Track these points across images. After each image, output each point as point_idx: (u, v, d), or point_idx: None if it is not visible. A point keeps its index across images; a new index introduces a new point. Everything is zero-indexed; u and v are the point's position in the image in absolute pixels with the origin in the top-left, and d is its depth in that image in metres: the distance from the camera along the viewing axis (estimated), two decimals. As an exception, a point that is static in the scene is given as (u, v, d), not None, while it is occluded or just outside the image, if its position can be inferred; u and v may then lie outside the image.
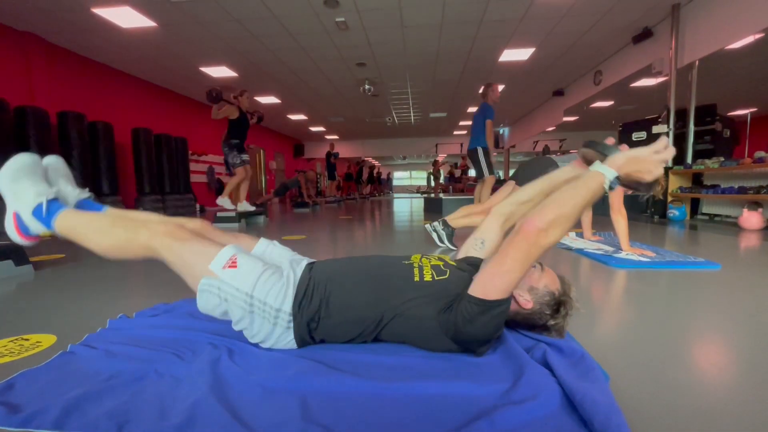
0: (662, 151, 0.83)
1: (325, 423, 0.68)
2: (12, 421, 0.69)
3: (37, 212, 1.03)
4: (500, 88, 7.88)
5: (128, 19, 4.65)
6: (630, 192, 0.91)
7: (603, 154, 0.89)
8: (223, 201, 4.72)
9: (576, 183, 0.84)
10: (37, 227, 1.05)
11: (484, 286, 0.84)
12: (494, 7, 4.66)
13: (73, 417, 0.70)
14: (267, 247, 1.18)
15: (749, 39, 4.28)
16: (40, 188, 1.05)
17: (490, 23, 5.12)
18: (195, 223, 1.16)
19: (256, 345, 0.99)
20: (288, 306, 0.93)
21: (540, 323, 0.96)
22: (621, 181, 0.85)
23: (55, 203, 1.06)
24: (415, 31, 5.32)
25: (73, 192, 1.12)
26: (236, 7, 4.49)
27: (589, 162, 1.02)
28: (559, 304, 0.94)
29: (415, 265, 1.01)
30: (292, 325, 0.94)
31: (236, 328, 0.98)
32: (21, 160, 1.05)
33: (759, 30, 3.91)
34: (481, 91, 4.25)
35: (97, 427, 0.67)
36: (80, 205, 1.14)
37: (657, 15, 4.98)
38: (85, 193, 1.15)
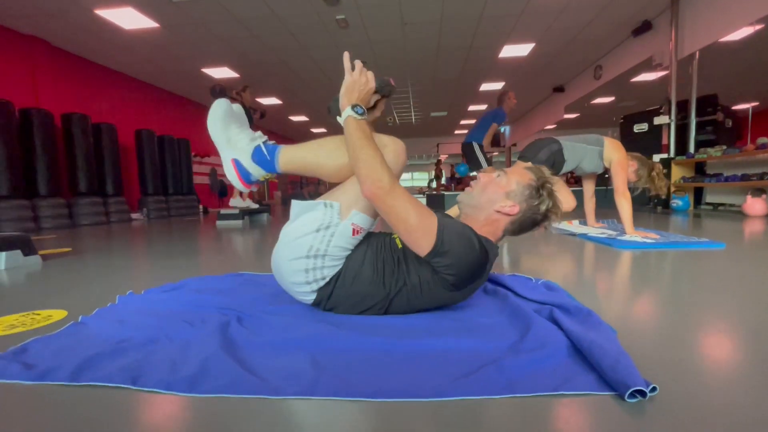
0: (350, 67, 0.90)
1: (336, 373, 0.69)
2: (29, 375, 0.70)
3: (256, 156, 1.01)
4: (488, 85, 7.90)
5: (131, 20, 4.70)
6: (381, 99, 0.99)
7: (334, 110, 0.97)
8: (236, 201, 4.76)
9: (346, 139, 0.89)
10: (258, 171, 1.02)
11: (416, 246, 0.86)
12: (493, 3, 4.68)
13: (88, 371, 0.71)
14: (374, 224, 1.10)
15: (749, 29, 4.28)
16: (250, 132, 1.03)
17: (490, 19, 5.14)
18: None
19: (263, 311, 1.00)
20: (329, 278, 0.95)
21: (538, 216, 0.96)
22: (363, 106, 0.89)
23: (268, 144, 1.04)
24: (414, 28, 5.34)
25: (263, 137, 1.07)
26: (237, 7, 4.53)
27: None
28: (539, 189, 0.95)
29: (395, 234, 1.02)
30: (318, 289, 0.96)
31: (285, 228, 0.97)
32: (222, 106, 1.02)
33: (757, 19, 3.91)
34: (498, 96, 4.27)
35: (112, 379, 0.68)
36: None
37: (656, 7, 4.99)
38: (271, 141, 1.10)
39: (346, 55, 0.91)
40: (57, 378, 0.69)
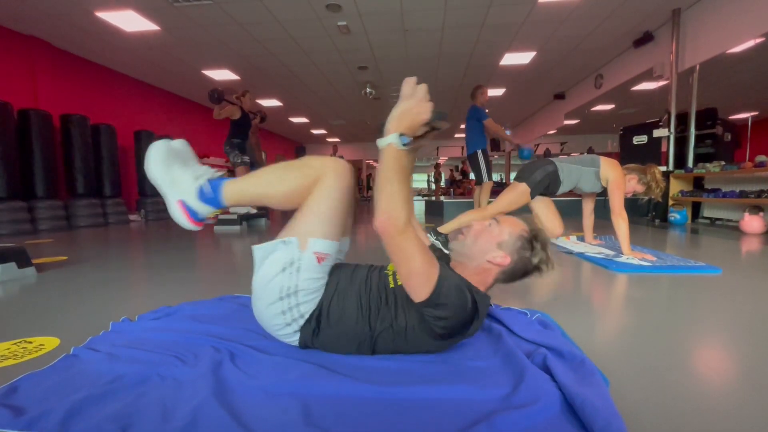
0: (412, 92, 0.84)
1: (327, 427, 0.69)
2: (16, 423, 0.70)
3: (201, 195, 1.01)
4: (489, 91, 7.94)
5: (131, 22, 4.69)
6: (430, 131, 0.93)
7: (380, 130, 0.89)
8: (236, 208, 4.68)
9: (380, 166, 0.84)
10: (204, 210, 1.02)
11: (414, 291, 0.85)
12: (495, 12, 4.68)
13: (76, 420, 0.71)
14: (341, 247, 1.11)
15: (750, 43, 4.29)
16: (194, 171, 1.02)
17: (492, 27, 5.14)
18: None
19: (257, 347, 1.00)
20: (308, 315, 0.94)
21: (529, 268, 0.96)
22: (409, 134, 0.84)
23: (212, 181, 1.03)
24: (416, 35, 5.34)
25: (208, 172, 1.06)
26: (239, 12, 4.52)
27: None
28: (532, 241, 0.94)
29: (390, 272, 1.01)
30: (301, 328, 0.95)
31: (255, 285, 0.95)
32: (161, 147, 1.00)
33: (759, 34, 3.91)
34: (471, 92, 4.27)
35: (101, 429, 0.68)
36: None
37: (658, 19, 4.99)
38: (219, 173, 1.09)
39: (409, 81, 0.85)
40: (46, 428, 0.69)
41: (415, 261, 0.81)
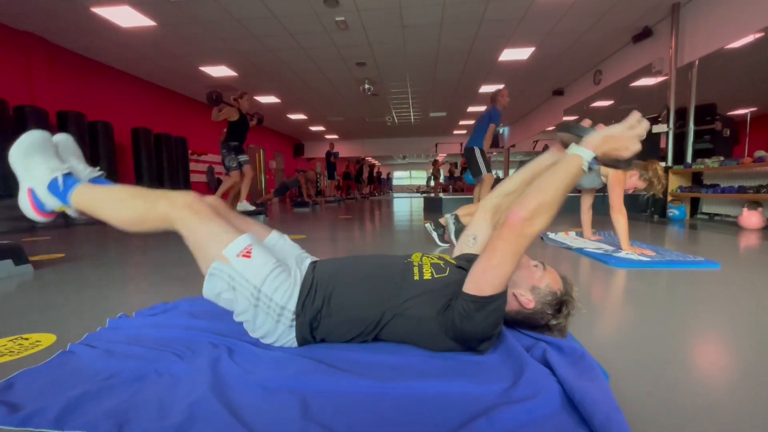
0: (636, 125, 0.83)
1: (325, 422, 0.68)
2: (12, 420, 0.69)
3: (52, 187, 1.00)
4: (487, 88, 7.97)
5: (127, 18, 4.65)
6: (615, 166, 0.92)
7: (579, 136, 0.88)
8: (242, 206, 4.69)
9: (554, 168, 0.84)
10: (53, 203, 1.01)
11: (477, 283, 0.83)
12: (494, 7, 4.66)
13: (73, 416, 0.70)
14: (278, 241, 1.16)
15: (749, 38, 4.28)
16: (53, 163, 1.01)
17: (490, 23, 5.11)
18: (211, 200, 1.10)
19: (255, 343, 0.99)
20: (293, 305, 0.93)
21: (542, 323, 0.96)
22: (599, 160, 0.85)
23: (69, 178, 1.02)
24: (414, 30, 5.31)
25: (84, 170, 1.08)
26: (236, 7, 4.49)
27: (566, 146, 1.02)
28: (561, 304, 0.94)
29: (415, 263, 1.01)
30: (294, 324, 0.94)
31: (237, 319, 0.97)
32: (32, 136, 1.01)
33: (759, 29, 3.90)
34: (491, 95, 4.26)
35: (97, 426, 0.67)
36: (93, 182, 1.11)
37: (657, 14, 4.98)
38: (97, 171, 1.11)
39: (637, 114, 0.84)
40: (41, 424, 0.68)
41: (507, 266, 0.81)
